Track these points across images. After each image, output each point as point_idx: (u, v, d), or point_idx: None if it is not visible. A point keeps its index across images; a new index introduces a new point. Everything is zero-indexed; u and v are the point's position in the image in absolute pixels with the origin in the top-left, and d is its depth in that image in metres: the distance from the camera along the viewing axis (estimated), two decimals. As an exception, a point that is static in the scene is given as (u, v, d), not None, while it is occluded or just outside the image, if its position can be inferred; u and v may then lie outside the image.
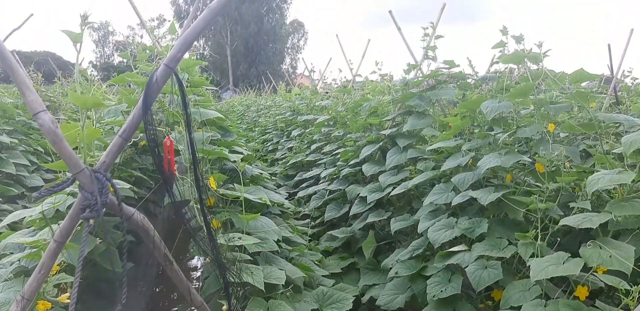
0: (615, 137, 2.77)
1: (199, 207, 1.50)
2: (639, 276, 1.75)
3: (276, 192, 3.28)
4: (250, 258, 2.17)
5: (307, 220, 4.05)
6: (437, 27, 3.66)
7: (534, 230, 2.10)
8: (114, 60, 48.58)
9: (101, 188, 1.10)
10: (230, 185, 2.60)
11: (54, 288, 1.44)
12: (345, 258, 3.34)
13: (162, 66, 1.22)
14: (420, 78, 3.71)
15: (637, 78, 5.35)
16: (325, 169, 4.55)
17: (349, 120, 4.60)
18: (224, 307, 1.78)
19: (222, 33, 43.97)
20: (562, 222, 1.98)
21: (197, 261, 4.18)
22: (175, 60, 1.23)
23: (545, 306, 1.80)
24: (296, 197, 4.74)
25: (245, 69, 44.01)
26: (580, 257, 1.80)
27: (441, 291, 2.22)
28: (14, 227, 2.23)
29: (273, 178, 5.32)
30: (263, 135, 8.69)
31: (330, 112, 5.50)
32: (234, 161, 2.63)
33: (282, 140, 7.25)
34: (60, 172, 2.41)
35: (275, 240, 2.33)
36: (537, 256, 1.97)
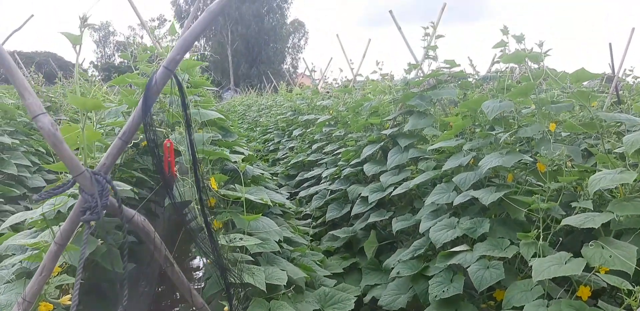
0: (616, 136, 2.77)
1: (199, 207, 1.49)
2: (641, 276, 1.74)
3: (277, 192, 3.28)
4: (251, 258, 2.17)
5: (309, 220, 4.05)
6: (437, 27, 3.65)
7: (536, 230, 2.09)
8: (115, 61, 48.62)
9: (101, 190, 1.10)
10: (232, 186, 2.60)
11: (55, 290, 1.44)
12: (347, 258, 3.33)
13: (161, 68, 1.22)
14: (421, 78, 3.71)
15: (639, 77, 5.33)
16: (327, 169, 4.55)
17: (350, 119, 4.60)
18: (226, 308, 1.78)
19: (223, 33, 43.98)
20: (564, 221, 1.97)
21: (199, 261, 4.18)
22: (174, 62, 1.23)
23: (547, 306, 1.79)
24: (298, 197, 4.74)
25: (246, 68, 44.02)
26: (583, 257, 1.80)
27: (443, 291, 2.22)
28: (16, 227, 2.23)
29: (274, 178, 5.32)
30: (264, 135, 8.69)
31: (331, 111, 5.50)
32: (235, 161, 2.63)
33: (283, 140, 7.25)
34: (61, 173, 2.41)
35: (277, 240, 2.33)
36: (539, 256, 1.96)
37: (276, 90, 13.31)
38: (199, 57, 5.35)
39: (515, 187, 2.44)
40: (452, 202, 2.56)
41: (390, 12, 4.22)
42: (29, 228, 1.91)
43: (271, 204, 2.56)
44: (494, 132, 2.71)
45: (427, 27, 3.64)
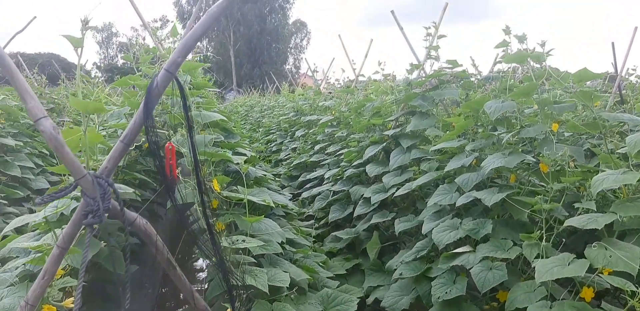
0: (619, 136, 2.76)
1: (202, 210, 1.50)
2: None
3: (280, 193, 3.28)
4: (254, 260, 2.17)
5: (311, 221, 4.04)
6: (439, 27, 3.65)
7: (539, 231, 2.08)
8: (118, 62, 48.76)
9: (103, 193, 1.10)
10: (234, 187, 2.60)
11: (59, 292, 1.45)
12: (350, 259, 3.33)
13: (162, 71, 1.22)
14: (423, 78, 3.70)
15: (643, 76, 5.29)
16: (329, 170, 4.54)
17: (352, 120, 4.60)
18: (228, 310, 1.78)
19: (225, 33, 44.02)
20: (567, 222, 1.97)
21: (202, 263, 4.19)
22: (175, 65, 1.24)
23: (550, 307, 1.79)
24: (300, 198, 4.74)
25: (249, 69, 44.05)
26: (586, 258, 1.79)
27: (446, 292, 2.21)
28: (20, 229, 2.24)
29: (277, 179, 5.32)
30: (267, 136, 8.69)
31: (333, 112, 5.50)
32: (237, 163, 2.63)
33: (285, 141, 7.25)
34: (64, 175, 2.42)
35: (279, 242, 2.33)
36: (542, 257, 1.96)
37: (279, 90, 13.32)
38: (202, 58, 5.35)
39: (518, 188, 2.44)
40: (455, 203, 2.56)
41: (392, 12, 4.22)
42: (33, 230, 1.91)
43: (274, 205, 2.56)
44: (496, 133, 2.70)
45: (429, 27, 3.64)
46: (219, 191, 2.31)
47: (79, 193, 1.48)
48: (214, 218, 2.18)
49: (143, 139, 2.81)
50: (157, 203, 3.25)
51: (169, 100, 2.88)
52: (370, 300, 2.77)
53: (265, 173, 3.36)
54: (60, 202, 1.73)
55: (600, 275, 1.79)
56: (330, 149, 4.92)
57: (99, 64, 49.94)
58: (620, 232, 1.99)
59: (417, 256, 2.65)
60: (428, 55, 3.69)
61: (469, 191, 2.52)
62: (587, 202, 2.07)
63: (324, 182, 4.55)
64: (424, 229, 2.65)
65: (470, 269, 2.16)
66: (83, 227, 1.18)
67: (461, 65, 3.57)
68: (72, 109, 6.39)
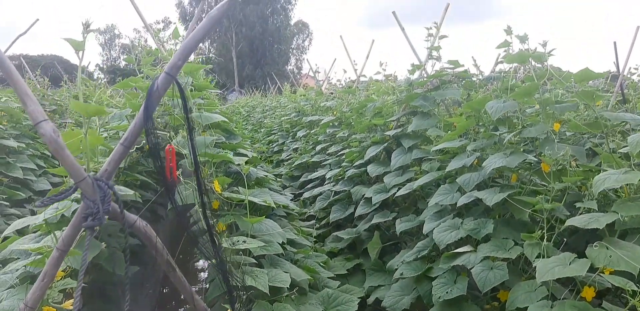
0: (621, 135, 2.75)
1: (202, 211, 1.50)
2: (646, 276, 1.73)
3: (281, 194, 3.28)
4: (255, 261, 2.18)
5: (313, 221, 4.05)
6: (441, 27, 3.64)
7: (540, 231, 2.08)
8: (120, 63, 48.90)
9: (103, 196, 1.10)
10: (235, 188, 2.60)
11: (59, 294, 1.45)
12: (351, 259, 3.34)
13: (162, 74, 1.23)
14: (424, 79, 3.70)
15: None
16: (331, 170, 4.55)
17: (353, 120, 4.60)
18: (229, 311, 1.78)
19: (227, 35, 44.06)
20: (569, 222, 1.96)
21: (204, 263, 4.20)
22: (175, 68, 1.24)
23: (551, 307, 1.79)
24: (302, 198, 4.75)
25: (251, 70, 44.08)
26: (587, 258, 1.79)
27: (447, 292, 2.21)
28: (20, 230, 2.25)
29: (278, 179, 5.32)
30: (268, 136, 8.70)
31: (335, 112, 5.50)
32: (238, 164, 2.63)
33: (287, 141, 7.26)
34: (66, 176, 2.42)
35: (280, 242, 2.33)
36: (544, 257, 1.96)
37: (280, 91, 13.33)
38: (204, 59, 5.36)
39: (519, 188, 2.44)
40: (456, 203, 2.56)
41: (394, 12, 4.22)
42: (34, 232, 1.92)
43: (275, 206, 2.56)
44: (497, 133, 2.70)
45: (430, 28, 3.63)
46: (220, 192, 2.32)
47: (80, 195, 1.49)
48: (215, 219, 2.19)
49: (144, 141, 2.82)
50: (158, 204, 3.26)
51: (171, 101, 2.89)
52: (371, 300, 2.77)
53: (267, 173, 3.37)
54: (61, 204, 1.74)
55: (601, 274, 1.79)
56: (332, 149, 4.92)
57: (101, 66, 50.12)
58: (622, 231, 1.99)
59: (418, 256, 2.65)
60: (429, 55, 3.69)
61: (470, 191, 2.52)
62: (589, 202, 2.07)
63: (325, 182, 4.55)
64: (425, 229, 2.65)
65: (471, 269, 2.16)
66: (83, 229, 1.18)
67: (463, 66, 3.57)
68: (75, 111, 6.41)
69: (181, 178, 2.15)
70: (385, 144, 3.69)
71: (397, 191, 3.18)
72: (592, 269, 1.77)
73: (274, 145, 7.76)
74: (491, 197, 2.33)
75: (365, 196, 3.52)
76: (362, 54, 6.09)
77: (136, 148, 2.73)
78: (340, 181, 4.18)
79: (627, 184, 1.95)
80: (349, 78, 7.41)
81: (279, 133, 8.06)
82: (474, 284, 2.11)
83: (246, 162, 2.85)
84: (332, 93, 7.26)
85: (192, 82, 3.12)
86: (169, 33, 3.59)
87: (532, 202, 2.18)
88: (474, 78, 3.71)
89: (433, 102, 3.43)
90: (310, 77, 11.08)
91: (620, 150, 2.31)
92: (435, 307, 2.29)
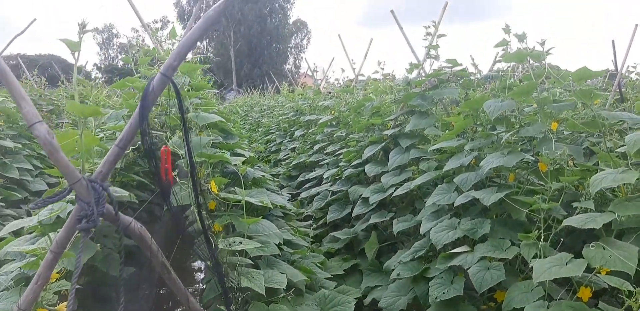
0: (619, 134, 2.75)
1: (197, 213, 1.50)
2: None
3: (278, 194, 3.28)
4: (251, 262, 2.17)
5: (310, 222, 4.04)
6: (439, 26, 3.64)
7: (537, 231, 2.08)
8: (118, 63, 48.82)
9: (98, 198, 1.10)
10: (232, 188, 2.60)
11: (54, 296, 1.45)
12: (348, 259, 3.33)
13: (158, 75, 1.22)
14: (422, 78, 3.69)
15: (642, 74, 5.28)
16: (328, 170, 4.54)
17: (351, 120, 4.59)
18: (225, 312, 1.78)
19: (226, 34, 44.01)
20: (565, 222, 1.96)
21: (201, 263, 4.19)
22: (171, 69, 1.24)
23: (548, 307, 1.79)
24: (299, 198, 4.74)
25: (249, 69, 44.04)
26: (583, 258, 1.79)
27: (443, 293, 2.21)
28: (17, 231, 2.24)
29: (276, 179, 5.32)
30: (266, 136, 8.69)
31: (333, 112, 5.49)
32: (235, 164, 2.63)
33: (285, 141, 7.25)
34: (62, 177, 2.42)
35: (277, 243, 2.33)
36: (540, 257, 1.95)
37: (278, 90, 13.31)
38: (202, 58, 5.34)
39: (516, 187, 2.43)
40: (453, 203, 2.56)
41: (392, 11, 4.21)
42: (29, 233, 1.92)
43: (272, 206, 2.55)
44: (495, 132, 2.69)
45: (429, 27, 3.63)
46: (216, 192, 2.31)
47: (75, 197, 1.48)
48: (212, 220, 2.18)
49: (139, 143, 2.81)
50: (155, 204, 3.25)
51: (168, 101, 2.88)
52: (367, 301, 2.76)
53: (264, 174, 3.36)
54: (57, 205, 1.73)
55: (597, 274, 1.79)
56: (329, 149, 4.91)
57: (99, 65, 50.04)
58: (619, 231, 1.99)
59: (415, 257, 2.64)
60: (427, 54, 3.69)
61: (468, 191, 2.52)
62: (586, 201, 2.06)
63: (323, 182, 4.54)
64: (422, 229, 2.65)
65: (468, 269, 2.16)
66: (78, 231, 1.18)
67: (461, 65, 3.57)
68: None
69: (177, 179, 2.14)
70: (383, 144, 3.69)
71: (395, 191, 3.17)
72: (589, 269, 1.77)
73: (271, 145, 7.75)
74: (488, 197, 2.32)
75: (362, 196, 3.51)
76: (360, 52, 6.09)
77: (133, 148, 2.72)
78: (338, 181, 4.17)
79: (624, 184, 1.94)
80: (347, 77, 7.40)
81: (276, 132, 8.05)
82: (471, 284, 2.11)
83: (243, 162, 2.84)
84: (330, 92, 7.25)
85: (190, 82, 3.11)
86: (167, 32, 3.58)
87: (530, 202, 2.17)
88: (472, 77, 3.71)
89: (431, 101, 3.42)
90: (308, 76, 11.07)
91: (617, 150, 2.31)
92: (432, 308, 2.29)
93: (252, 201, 2.41)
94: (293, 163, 5.74)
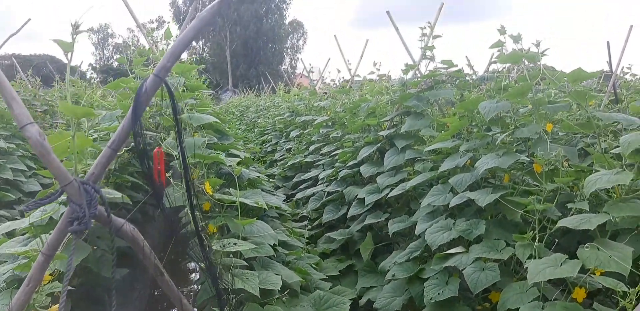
0: (613, 135, 2.76)
1: (191, 215, 1.49)
2: (637, 277, 1.74)
3: (273, 195, 3.27)
4: (246, 263, 2.16)
5: (305, 222, 4.04)
6: (435, 27, 3.64)
7: (532, 231, 2.08)
8: (114, 63, 48.63)
9: (90, 200, 1.09)
10: (227, 189, 2.59)
11: (46, 298, 1.43)
12: (343, 260, 3.33)
13: (151, 76, 1.21)
14: (418, 79, 3.70)
15: (637, 75, 5.31)
16: (324, 170, 4.54)
17: (347, 120, 4.59)
18: (219, 314, 1.77)
19: (222, 34, 43.92)
20: (560, 223, 1.97)
21: (195, 264, 4.17)
22: (164, 70, 1.23)
23: (542, 308, 1.79)
24: (294, 199, 4.73)
25: (245, 69, 43.96)
26: (578, 259, 1.79)
27: (438, 293, 2.21)
28: (10, 232, 2.22)
29: (271, 180, 5.31)
30: (262, 136, 8.68)
31: (328, 112, 5.48)
32: (230, 165, 2.62)
33: (280, 141, 7.24)
34: (55, 178, 2.40)
35: (272, 244, 2.32)
36: (535, 258, 1.96)
37: (274, 91, 13.29)
38: (197, 59, 5.33)
39: (511, 188, 2.44)
40: (449, 204, 2.56)
41: (388, 12, 4.21)
42: (22, 234, 1.90)
43: (266, 207, 2.55)
44: (490, 133, 2.70)
45: (424, 28, 3.63)
46: (211, 193, 2.30)
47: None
48: (206, 221, 2.17)
49: (132, 144, 2.80)
50: (149, 205, 3.24)
51: (163, 101, 2.86)
52: (362, 301, 2.76)
53: (259, 174, 3.35)
54: (49, 207, 1.72)
55: (592, 275, 1.79)
56: (325, 150, 4.91)
57: (94, 65, 49.83)
58: (613, 232, 2.00)
59: (410, 257, 2.64)
60: (423, 55, 3.69)
61: (463, 191, 2.52)
62: (580, 202, 2.07)
63: (319, 183, 4.54)
64: (418, 230, 2.65)
65: (463, 270, 2.16)
66: (69, 233, 1.17)
67: (456, 65, 3.57)
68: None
69: (171, 180, 2.13)
70: (379, 144, 3.69)
71: (390, 192, 3.17)
72: (583, 270, 1.77)
73: (267, 146, 7.73)
74: (483, 198, 2.32)
75: (358, 197, 3.51)
76: (356, 53, 6.11)
77: (127, 149, 2.70)
78: (333, 181, 4.17)
79: (618, 185, 1.95)
80: (343, 78, 7.41)
81: (272, 133, 8.04)
82: (466, 285, 2.11)
83: (238, 163, 2.83)
84: (326, 93, 7.25)
85: (185, 83, 3.10)
86: (162, 32, 3.57)
87: (524, 203, 2.18)
88: (468, 78, 3.71)
89: (426, 102, 3.43)
90: (304, 76, 11.07)
91: (612, 151, 2.31)
92: (427, 308, 2.29)
93: (247, 202, 2.40)
94: (289, 163, 5.73)
